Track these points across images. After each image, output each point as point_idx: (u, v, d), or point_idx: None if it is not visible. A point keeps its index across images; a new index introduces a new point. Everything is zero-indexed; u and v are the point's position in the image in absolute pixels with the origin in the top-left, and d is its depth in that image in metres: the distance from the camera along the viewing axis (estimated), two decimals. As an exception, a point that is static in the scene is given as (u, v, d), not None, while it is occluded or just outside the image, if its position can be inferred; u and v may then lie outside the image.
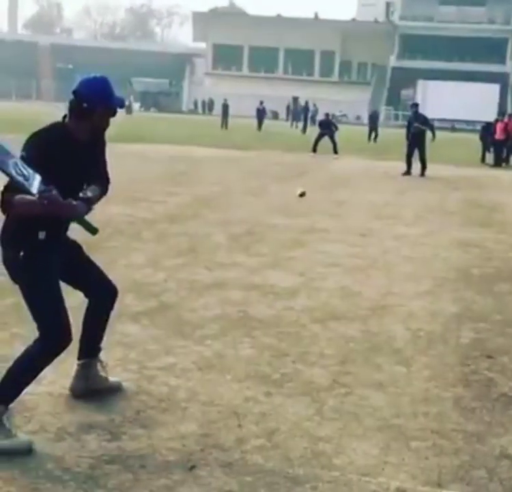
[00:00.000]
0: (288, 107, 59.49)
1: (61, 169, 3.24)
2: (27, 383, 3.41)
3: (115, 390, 3.95)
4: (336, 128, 23.34)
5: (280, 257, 7.70)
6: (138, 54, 73.73)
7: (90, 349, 3.84)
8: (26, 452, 3.26)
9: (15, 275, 3.40)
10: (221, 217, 10.08)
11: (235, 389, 4.11)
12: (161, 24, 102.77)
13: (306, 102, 46.21)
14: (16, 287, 3.45)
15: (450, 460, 3.44)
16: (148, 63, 68.87)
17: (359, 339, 5.14)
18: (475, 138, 25.53)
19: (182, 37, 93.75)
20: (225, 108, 40.03)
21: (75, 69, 64.58)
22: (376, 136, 33.17)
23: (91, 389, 3.86)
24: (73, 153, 3.33)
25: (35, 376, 3.42)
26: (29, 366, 3.38)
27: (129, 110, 53.46)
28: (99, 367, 3.90)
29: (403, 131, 19.52)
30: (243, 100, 54.31)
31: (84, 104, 3.32)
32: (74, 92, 3.35)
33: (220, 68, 72.90)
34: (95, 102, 3.32)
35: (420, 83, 60.45)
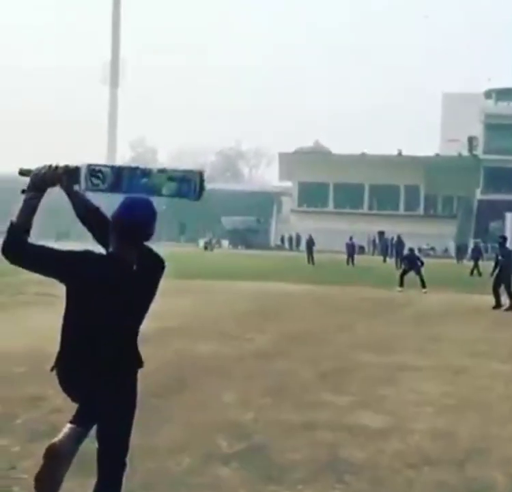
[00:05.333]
0: (374, 241, 59.95)
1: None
2: None
3: None
4: (422, 263, 23.29)
5: (370, 396, 7.56)
6: (228, 194, 76.50)
7: None
8: None
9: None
10: (309, 354, 10.04)
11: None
12: (249, 165, 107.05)
13: (393, 237, 46.50)
14: None
15: None
16: (237, 202, 71.25)
17: (455, 485, 4.92)
18: None
19: (269, 176, 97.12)
20: (310, 243, 40.65)
21: (167, 209, 67.40)
22: (475, 267, 32.12)
23: None
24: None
25: None
26: None
27: (210, 247, 54.99)
28: None
29: (492, 263, 19.30)
30: (329, 235, 55.10)
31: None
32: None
33: (305, 205, 74.69)
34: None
35: (509, 216, 60.24)
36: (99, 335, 3.12)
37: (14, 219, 3.11)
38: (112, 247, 3.21)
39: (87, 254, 3.15)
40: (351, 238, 41.36)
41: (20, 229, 3.08)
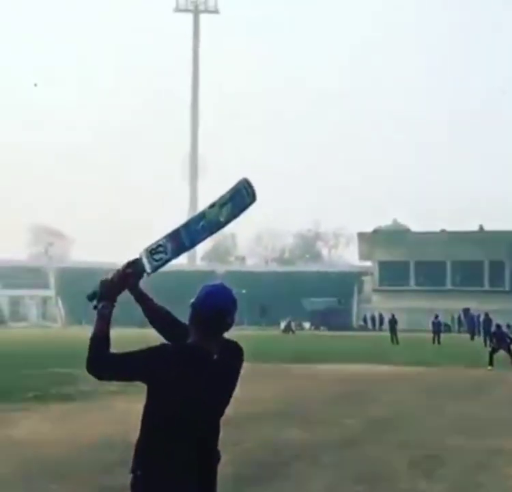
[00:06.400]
0: (459, 319, 58.44)
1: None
2: None
3: None
4: (511, 340, 22.52)
5: (466, 484, 7.22)
6: (307, 275, 76.61)
7: None
8: None
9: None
10: (400, 439, 9.71)
11: None
12: (328, 245, 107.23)
13: (479, 314, 45.27)
14: None
15: None
16: (317, 284, 71.13)
17: None
18: None
19: (348, 256, 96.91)
20: (393, 323, 39.94)
21: (248, 293, 67.90)
22: None
23: None
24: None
25: None
26: None
27: (290, 329, 54.58)
28: None
29: None
30: (411, 314, 54.14)
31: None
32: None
33: (387, 284, 73.87)
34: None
35: None
36: (180, 429, 3.01)
37: (92, 332, 3.10)
38: (191, 338, 3.12)
39: (165, 350, 3.08)
40: (436, 316, 40.47)
41: (100, 342, 3.08)
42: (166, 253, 3.19)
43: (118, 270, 3.22)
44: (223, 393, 3.16)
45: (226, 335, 3.17)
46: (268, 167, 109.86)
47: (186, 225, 3.20)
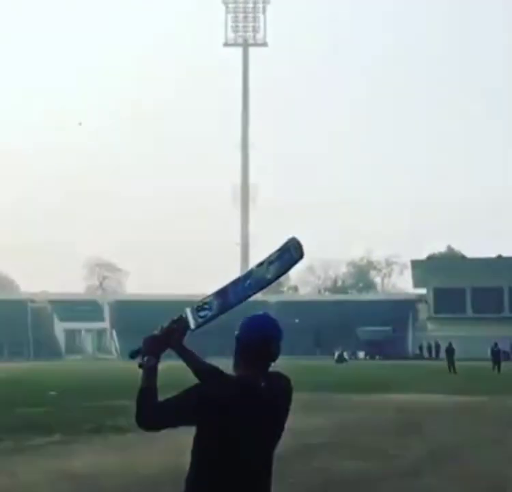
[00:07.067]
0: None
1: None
2: None
3: None
4: None
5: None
6: (361, 304, 76.01)
7: None
8: None
9: None
10: (461, 472, 9.47)
11: None
12: (381, 274, 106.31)
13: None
14: None
15: None
16: (371, 312, 70.46)
17: None
18: None
19: (402, 284, 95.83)
20: (450, 351, 39.20)
21: (301, 322, 67.54)
22: None
23: None
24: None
25: None
26: None
27: (341, 359, 54.01)
28: None
29: None
30: (469, 342, 53.08)
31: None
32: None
33: (443, 312, 72.71)
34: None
35: None
36: (230, 462, 2.95)
37: (139, 386, 3.03)
38: (238, 370, 3.07)
39: (211, 387, 3.01)
40: (496, 344, 39.63)
41: (147, 394, 3.01)
42: (211, 310, 3.20)
43: (162, 327, 3.20)
44: (274, 424, 3.09)
45: (277, 362, 3.14)
46: (319, 197, 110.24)
47: (234, 283, 3.23)
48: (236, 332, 3.09)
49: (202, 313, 3.20)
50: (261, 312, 3.22)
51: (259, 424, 2.97)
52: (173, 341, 3.19)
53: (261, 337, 3.04)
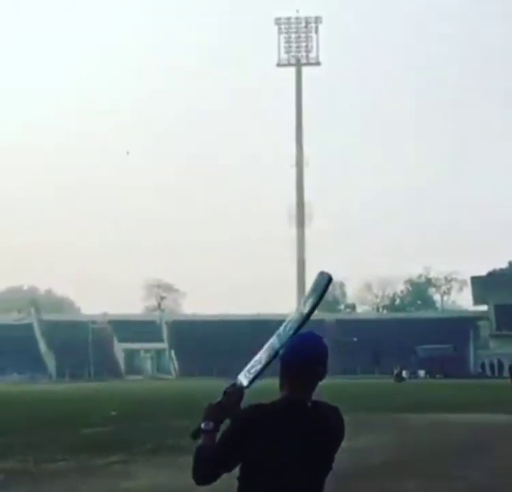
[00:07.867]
0: None
1: None
2: None
3: None
4: None
5: None
6: (420, 322, 74.98)
7: None
8: None
9: None
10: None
11: None
12: (440, 291, 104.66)
13: None
14: None
15: None
16: (430, 330, 69.43)
17: None
18: None
19: (462, 301, 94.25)
20: (514, 369, 38.31)
21: (359, 341, 66.97)
22: None
23: None
24: None
25: None
26: None
27: (400, 378, 53.11)
28: None
29: None
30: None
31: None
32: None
33: (505, 329, 71.11)
34: None
35: None
36: (277, 488, 2.83)
37: (199, 444, 2.97)
38: (284, 392, 2.95)
39: (255, 414, 2.90)
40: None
41: (204, 451, 2.93)
42: (260, 363, 3.16)
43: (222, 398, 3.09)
44: (323, 448, 2.94)
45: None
46: (376, 214, 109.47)
47: (278, 335, 3.20)
48: (281, 352, 3.01)
49: (252, 370, 3.15)
50: (307, 331, 3.11)
51: (306, 445, 2.86)
52: (232, 404, 3.03)
53: (307, 358, 2.93)
